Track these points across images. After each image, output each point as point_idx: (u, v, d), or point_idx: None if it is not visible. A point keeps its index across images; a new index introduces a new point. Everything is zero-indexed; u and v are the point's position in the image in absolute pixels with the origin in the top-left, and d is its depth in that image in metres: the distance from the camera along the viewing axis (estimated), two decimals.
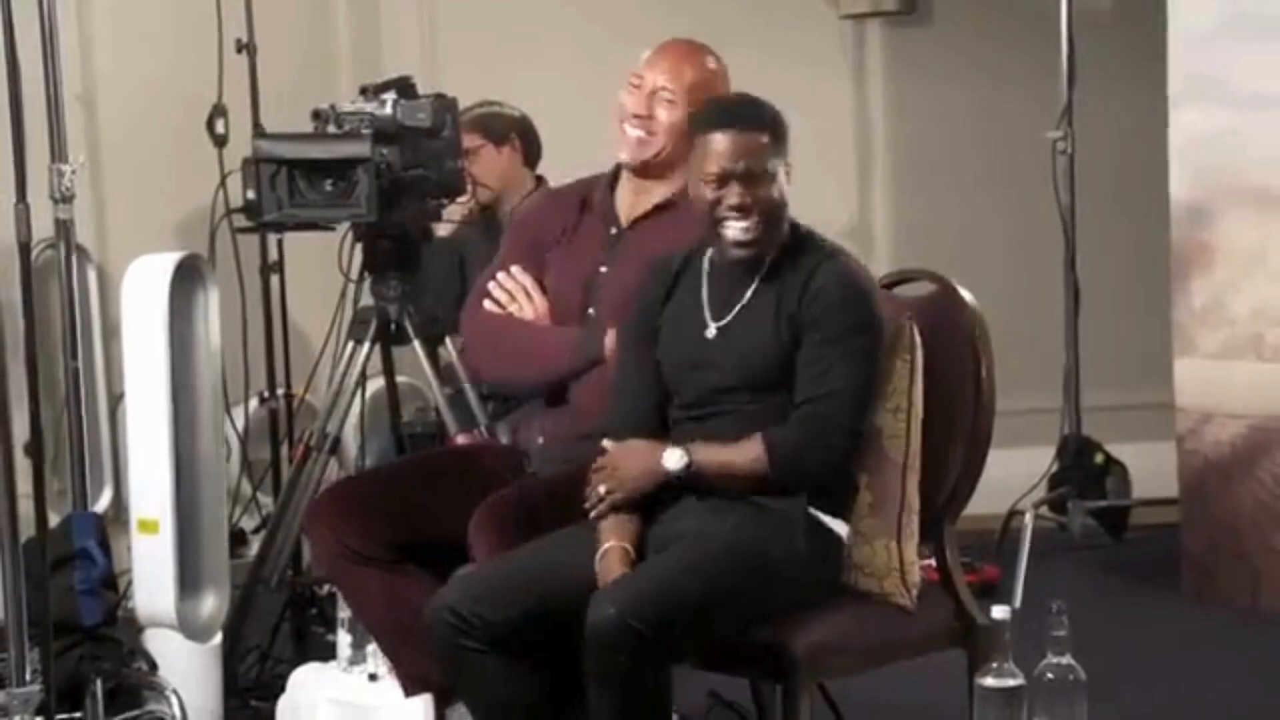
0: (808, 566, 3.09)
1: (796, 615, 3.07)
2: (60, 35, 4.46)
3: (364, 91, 4.03)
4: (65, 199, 4.28)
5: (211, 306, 4.05)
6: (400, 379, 4.35)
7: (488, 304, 3.67)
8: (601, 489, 3.15)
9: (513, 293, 3.66)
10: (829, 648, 3.10)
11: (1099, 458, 5.44)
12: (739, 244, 3.16)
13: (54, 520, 4.01)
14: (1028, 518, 5.14)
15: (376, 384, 4.31)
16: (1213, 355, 4.86)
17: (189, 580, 3.97)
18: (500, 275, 3.68)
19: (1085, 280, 5.35)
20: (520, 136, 4.80)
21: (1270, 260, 4.76)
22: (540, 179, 4.80)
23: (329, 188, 3.90)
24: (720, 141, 3.14)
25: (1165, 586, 4.98)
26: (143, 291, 3.95)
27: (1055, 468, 5.46)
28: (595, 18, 5.72)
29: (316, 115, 4.01)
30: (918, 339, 3.21)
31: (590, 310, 3.59)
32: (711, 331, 3.20)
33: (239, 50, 4.82)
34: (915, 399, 3.21)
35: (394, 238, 4.06)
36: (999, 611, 2.85)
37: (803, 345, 3.11)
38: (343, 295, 4.16)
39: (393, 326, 4.09)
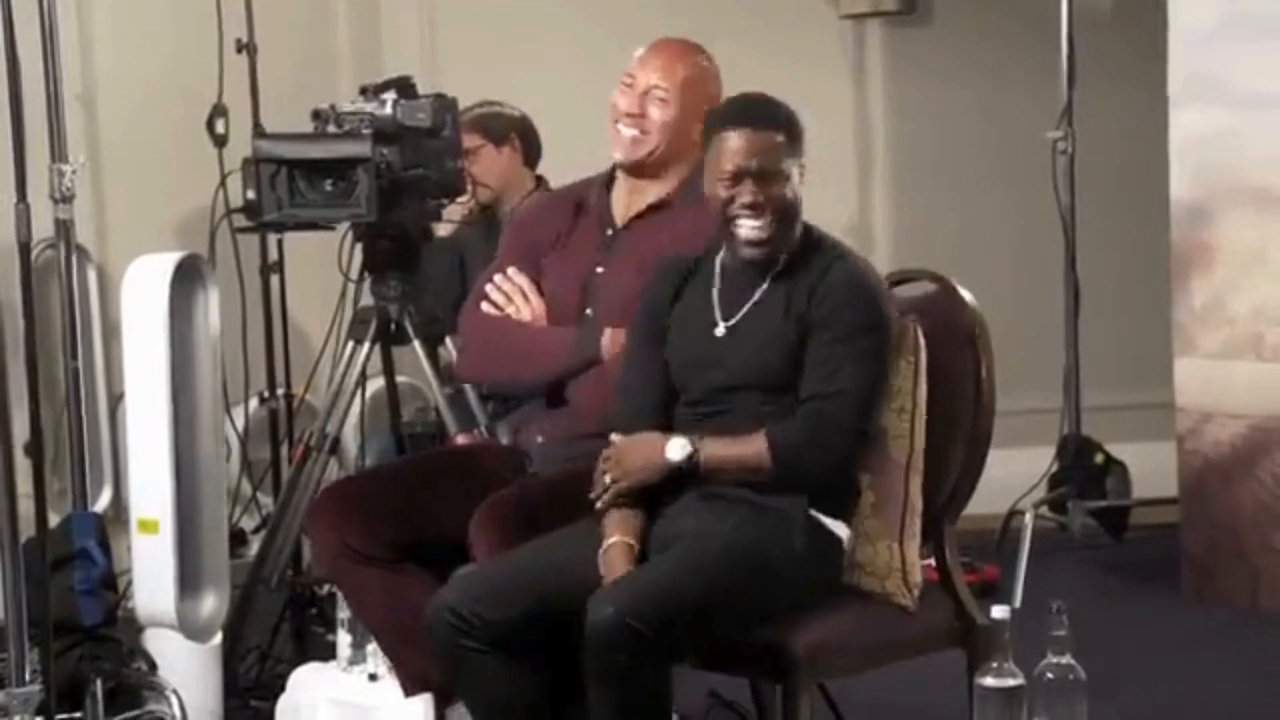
0: (807, 567, 3.10)
1: (796, 615, 3.07)
2: (60, 35, 4.46)
3: (364, 91, 4.04)
4: (65, 199, 4.28)
5: (211, 306, 4.05)
6: (400, 379, 4.36)
7: (485, 306, 3.68)
8: (607, 479, 3.15)
9: (510, 294, 3.66)
10: (829, 647, 3.10)
11: (1099, 458, 5.44)
12: (751, 243, 3.16)
13: (54, 520, 4.01)
14: (1028, 517, 5.14)
15: (376, 384, 4.31)
16: (1213, 355, 4.86)
17: (189, 580, 3.97)
18: (497, 277, 3.68)
19: (1085, 280, 5.35)
20: (520, 136, 4.80)
21: (1270, 260, 4.76)
22: (540, 179, 4.80)
23: (329, 188, 3.91)
24: (735, 140, 3.14)
25: (1165, 586, 4.98)
26: (143, 291, 3.95)
27: (1055, 468, 5.47)
28: (595, 18, 5.72)
29: (316, 115, 4.01)
30: (921, 340, 3.22)
31: (588, 311, 3.59)
32: (720, 330, 3.20)
33: (239, 50, 4.82)
34: (919, 400, 3.21)
35: (394, 238, 4.06)
36: (999, 611, 2.84)
37: (811, 343, 3.11)
38: (343, 295, 4.17)
39: (393, 326, 4.10)
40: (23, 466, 3.43)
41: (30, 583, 3.39)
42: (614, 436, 3.22)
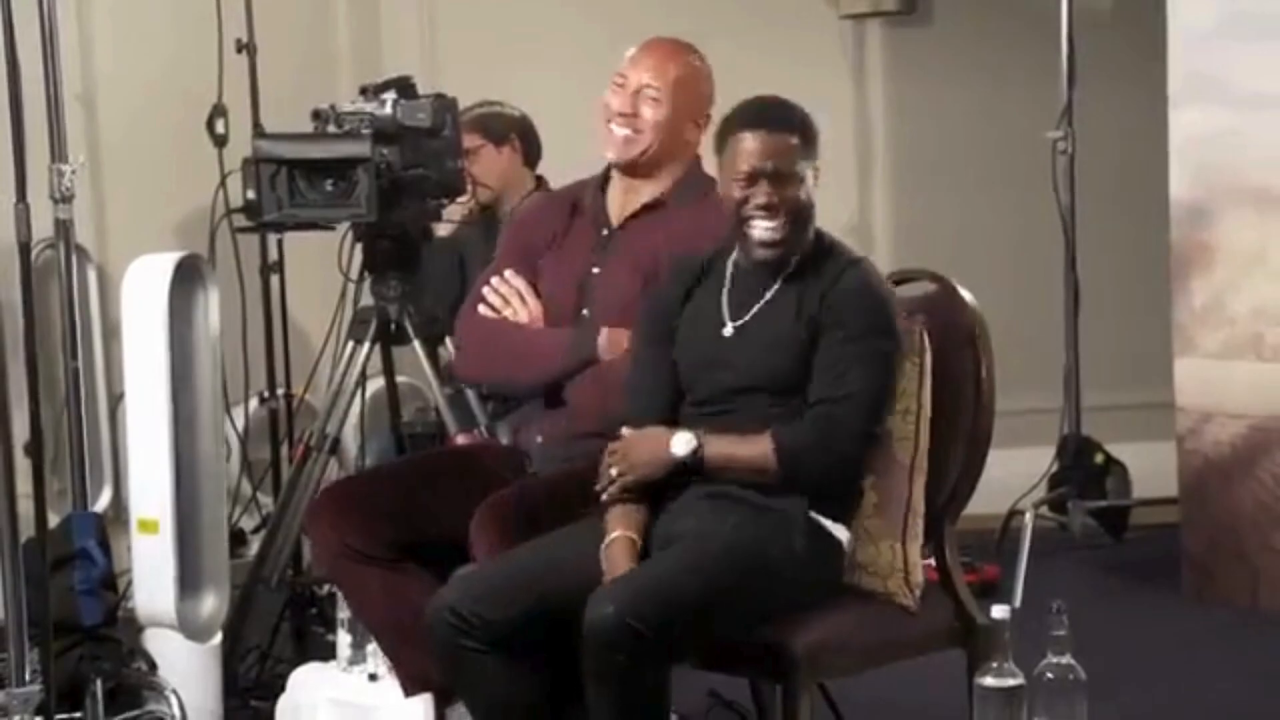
0: (807, 568, 3.09)
1: (796, 615, 3.07)
2: (60, 35, 4.45)
3: (364, 91, 4.04)
4: (65, 199, 4.28)
5: (211, 306, 4.05)
6: (400, 379, 4.36)
7: (482, 308, 3.68)
8: (613, 471, 3.15)
9: (507, 296, 3.67)
10: (829, 647, 3.10)
11: (1099, 457, 5.44)
12: (765, 244, 3.17)
13: (54, 520, 4.01)
14: (1028, 517, 5.14)
15: (376, 384, 4.31)
16: (1213, 355, 4.86)
17: (189, 580, 3.98)
18: (494, 280, 3.69)
19: (1085, 280, 5.35)
20: (520, 136, 4.81)
21: (1270, 260, 4.76)
22: (540, 179, 4.80)
23: (329, 188, 3.91)
24: (750, 141, 3.15)
25: (1165, 586, 4.98)
26: (143, 291, 3.95)
27: (1055, 467, 5.46)
28: (595, 18, 5.72)
29: (316, 115, 4.02)
30: (926, 341, 3.22)
31: (584, 312, 3.59)
32: (729, 330, 3.21)
33: (239, 50, 4.82)
34: (924, 401, 3.21)
35: (394, 238, 4.06)
36: (999, 611, 2.84)
37: (821, 345, 3.11)
38: (343, 295, 4.17)
39: (393, 326, 4.10)
40: (23, 466, 3.43)
41: (30, 583, 3.39)
42: (625, 430, 3.22)
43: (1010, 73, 5.89)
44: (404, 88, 4.03)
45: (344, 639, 3.70)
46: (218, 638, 4.03)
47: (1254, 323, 4.80)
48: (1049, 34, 5.31)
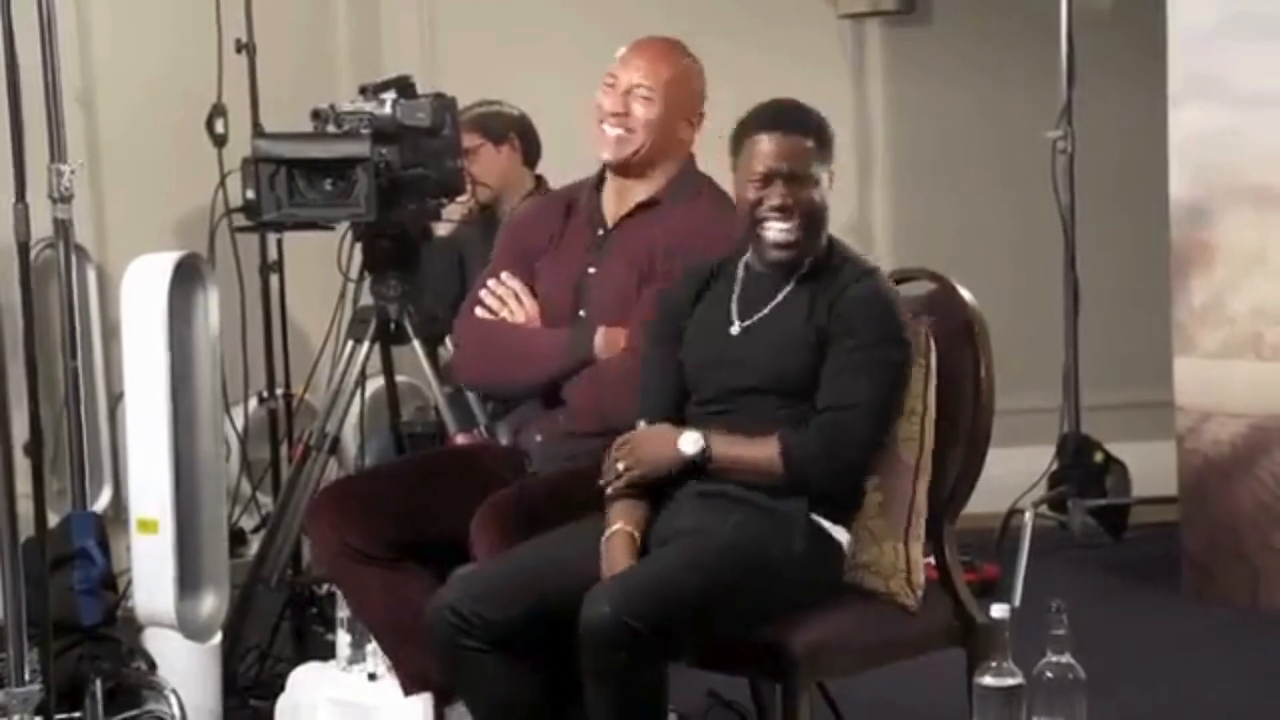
0: (807, 568, 3.10)
1: (796, 615, 3.07)
2: (59, 34, 4.45)
3: (363, 91, 4.04)
4: (64, 199, 4.27)
5: (211, 306, 4.05)
6: (400, 378, 4.36)
7: (479, 311, 3.68)
8: (620, 466, 3.16)
9: (503, 298, 3.67)
10: (828, 647, 3.10)
11: (1099, 456, 5.44)
12: (779, 245, 3.17)
13: (53, 520, 4.01)
14: (1027, 516, 5.14)
15: (376, 383, 4.31)
16: (1212, 354, 4.86)
17: (188, 580, 3.98)
18: (491, 282, 3.69)
19: (1085, 279, 5.35)
20: (520, 136, 4.81)
21: (1270, 259, 4.76)
22: (540, 179, 4.80)
23: (328, 187, 3.91)
24: (766, 143, 3.16)
25: (1165, 585, 4.98)
26: (142, 291, 3.95)
27: (1055, 466, 5.46)
28: (595, 18, 5.71)
29: (316, 115, 4.01)
30: (932, 342, 3.23)
31: (581, 312, 3.60)
32: (736, 329, 3.22)
33: (238, 50, 4.82)
34: (929, 402, 3.22)
35: (393, 237, 4.06)
36: (998, 610, 2.84)
37: (830, 352, 3.12)
38: (342, 295, 4.17)
39: (392, 326, 4.10)
40: (22, 466, 3.43)
41: (30, 582, 3.39)
42: (641, 424, 3.23)
43: (1010, 72, 5.89)
44: (403, 87, 4.03)
45: (343, 638, 3.70)
46: (217, 637, 4.03)
47: (1254, 322, 4.80)
48: (1048, 33, 5.31)
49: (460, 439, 3.93)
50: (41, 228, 4.05)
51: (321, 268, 4.20)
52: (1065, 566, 5.24)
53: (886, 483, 3.19)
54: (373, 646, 3.61)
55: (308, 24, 5.77)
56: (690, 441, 3.13)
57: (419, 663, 3.45)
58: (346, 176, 3.88)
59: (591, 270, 3.61)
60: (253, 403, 5.01)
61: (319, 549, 3.67)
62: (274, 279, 4.86)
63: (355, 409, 4.36)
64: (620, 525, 3.13)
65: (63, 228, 4.33)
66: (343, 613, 3.68)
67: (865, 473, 3.15)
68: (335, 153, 3.91)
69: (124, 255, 4.21)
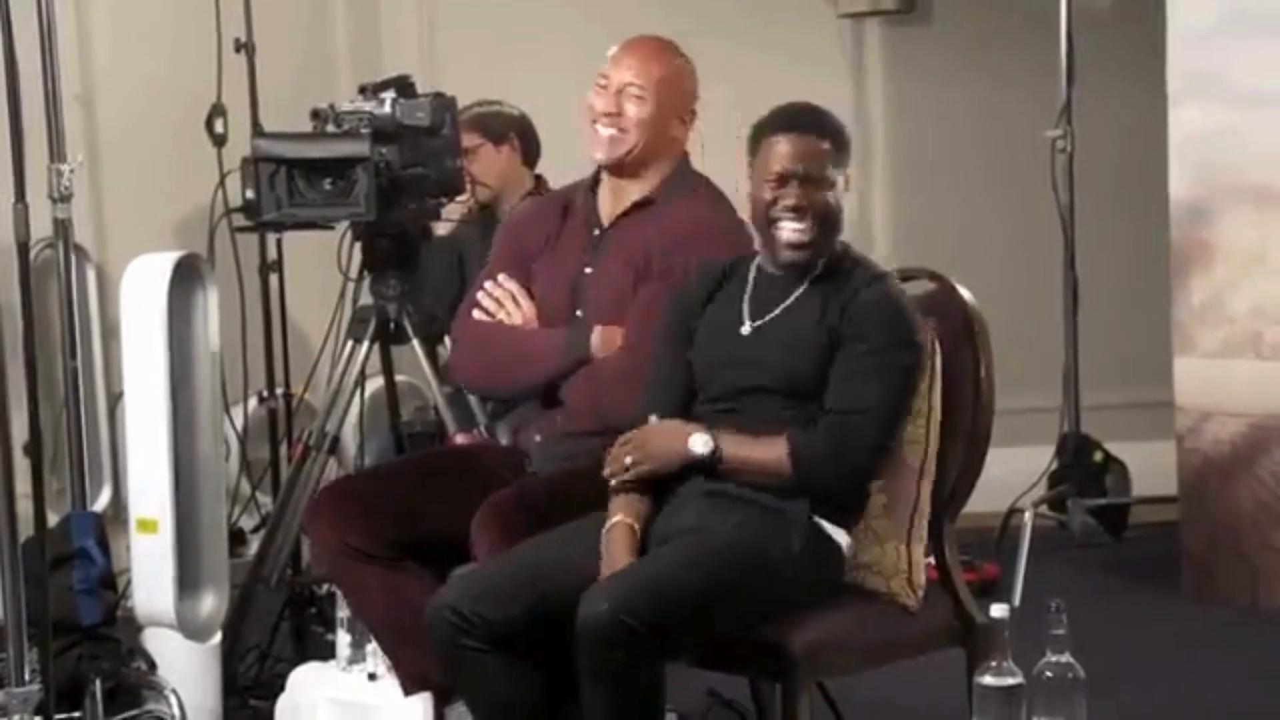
0: (806, 568, 3.09)
1: (795, 614, 3.07)
2: (59, 34, 4.45)
3: (363, 90, 4.04)
4: (64, 198, 4.27)
5: (210, 306, 4.05)
6: (399, 378, 4.36)
7: (476, 313, 3.69)
8: (628, 460, 3.16)
9: (500, 300, 3.67)
10: (828, 646, 3.09)
11: (1098, 456, 5.44)
12: (792, 245, 3.18)
13: (53, 520, 4.01)
14: (1027, 516, 5.14)
15: (376, 383, 4.31)
16: (1212, 354, 4.86)
17: (188, 580, 3.98)
18: (488, 284, 3.70)
19: (1085, 279, 5.35)
20: (519, 135, 4.81)
21: (1270, 258, 4.76)
22: (539, 178, 4.80)
23: (328, 187, 3.91)
24: (783, 144, 3.18)
25: (1165, 585, 4.98)
26: (142, 291, 3.95)
27: (1055, 466, 5.46)
28: (595, 18, 5.71)
29: (315, 114, 4.01)
30: (937, 344, 3.23)
31: (578, 312, 3.60)
32: (746, 329, 3.22)
33: (238, 50, 4.81)
34: (934, 405, 3.22)
35: (393, 237, 4.06)
36: (998, 610, 2.84)
37: (840, 355, 3.12)
38: (342, 294, 4.17)
39: (392, 325, 4.10)
40: (22, 466, 3.43)
41: (29, 582, 3.39)
42: (653, 419, 3.23)
43: (1009, 71, 5.89)
44: (403, 87, 4.03)
45: (343, 638, 3.70)
46: (217, 637, 4.03)
47: (1253, 321, 4.80)
48: (1048, 33, 5.31)
49: (460, 439, 3.93)
50: (41, 228, 4.06)
51: (321, 267, 4.20)
52: (1065, 566, 5.24)
53: (891, 484, 3.19)
54: (373, 646, 3.61)
55: (307, 24, 5.76)
56: (701, 442, 3.13)
57: (419, 663, 3.45)
58: (346, 176, 3.88)
59: (588, 270, 3.61)
60: (252, 402, 5.01)
61: (319, 549, 3.67)
62: (274, 279, 4.85)
63: (355, 409, 4.36)
64: (620, 517, 3.14)
65: (62, 228, 4.33)
66: (343, 613, 3.68)
67: (872, 476, 3.15)
68: (335, 152, 3.90)
69: (124, 255, 4.21)
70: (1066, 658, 2.81)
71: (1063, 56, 5.28)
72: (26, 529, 3.46)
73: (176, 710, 3.86)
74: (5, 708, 3.35)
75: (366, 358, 4.12)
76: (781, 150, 3.17)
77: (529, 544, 3.19)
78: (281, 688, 3.82)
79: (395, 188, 3.93)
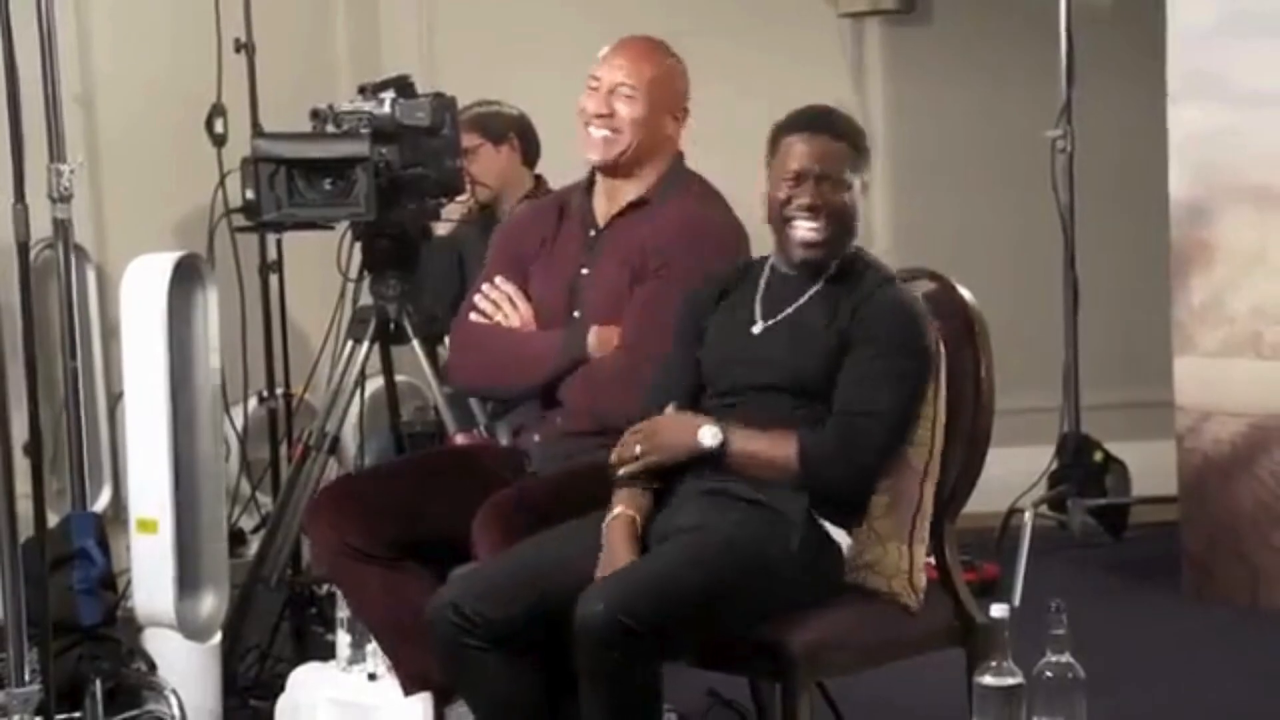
0: (806, 568, 3.09)
1: (795, 614, 3.07)
2: (59, 35, 4.44)
3: (362, 90, 4.04)
4: (63, 199, 4.27)
5: (210, 306, 4.05)
6: (399, 378, 4.36)
7: (473, 316, 3.69)
8: (637, 449, 3.16)
9: (497, 302, 3.67)
10: (827, 646, 3.09)
11: (1098, 456, 5.43)
12: (806, 244, 3.19)
13: (53, 520, 4.01)
14: (1027, 516, 5.14)
15: (376, 383, 4.31)
16: (1212, 353, 4.85)
17: (188, 580, 3.98)
18: (485, 287, 3.70)
19: (1085, 279, 5.35)
20: (519, 136, 4.81)
21: (1270, 258, 4.76)
22: (539, 178, 4.80)
23: (328, 187, 3.90)
24: (801, 144, 3.19)
25: (1165, 585, 4.97)
26: (141, 291, 3.95)
27: (1055, 466, 5.46)
28: (595, 18, 5.70)
29: (315, 114, 4.01)
30: (941, 348, 3.23)
31: (575, 313, 3.60)
32: (758, 328, 3.22)
33: (238, 50, 4.81)
34: (939, 408, 3.22)
35: (393, 237, 4.06)
36: (998, 610, 2.84)
37: (850, 358, 3.13)
38: (342, 294, 4.17)
39: (392, 326, 4.10)
40: (22, 466, 3.43)
41: (29, 582, 3.39)
42: (670, 409, 3.23)
43: (1009, 71, 5.89)
44: (403, 87, 4.03)
45: (343, 638, 3.70)
46: (217, 637, 4.03)
47: (1253, 321, 4.79)
48: (1048, 32, 5.31)
49: (460, 439, 3.93)
50: (41, 228, 4.05)
51: (321, 268, 4.20)
52: (1065, 566, 5.24)
53: (894, 485, 3.19)
54: (373, 646, 3.61)
55: (307, 24, 5.76)
56: (710, 434, 3.13)
57: (419, 662, 3.45)
58: (346, 176, 3.88)
59: (584, 271, 3.62)
60: (252, 403, 5.01)
61: (319, 548, 3.67)
62: (274, 279, 4.85)
63: (355, 409, 4.36)
64: (622, 509, 3.14)
65: (62, 228, 4.33)
66: (343, 613, 3.68)
67: (879, 478, 3.15)
68: (335, 152, 3.90)
69: (123, 255, 4.21)
70: (1066, 658, 2.81)
71: (1062, 56, 5.28)
72: (26, 529, 3.46)
73: (176, 710, 3.86)
74: (5, 708, 3.35)
75: (366, 358, 4.12)
76: (799, 150, 3.19)
77: (529, 543, 3.20)
78: (281, 688, 3.82)
79: (395, 188, 3.93)
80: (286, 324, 4.87)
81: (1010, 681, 2.79)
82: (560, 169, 4.37)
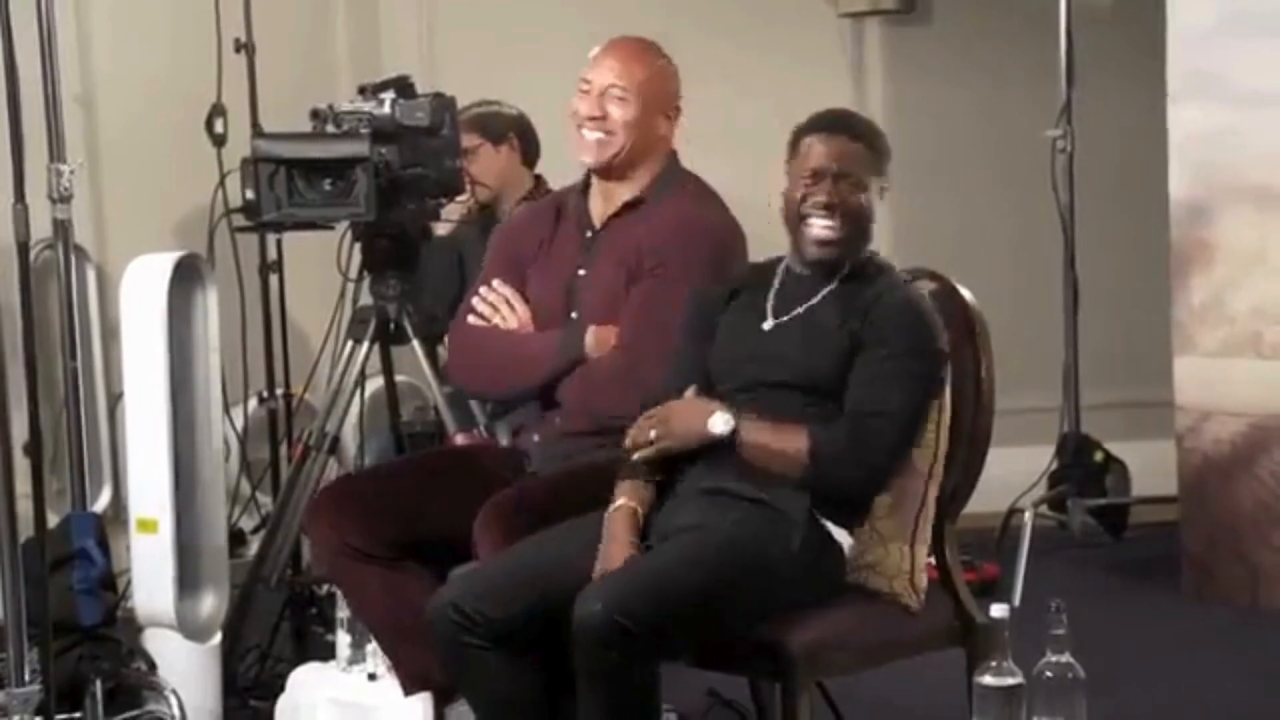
0: (806, 568, 3.09)
1: (795, 613, 3.07)
2: (59, 35, 4.45)
3: (362, 91, 4.04)
4: (64, 199, 4.27)
5: (210, 306, 4.05)
6: (399, 378, 4.36)
7: (471, 318, 3.69)
8: (651, 434, 3.16)
9: (495, 305, 3.68)
10: (827, 646, 3.09)
11: (1098, 456, 5.43)
12: (821, 242, 3.20)
13: (53, 520, 4.01)
14: (1027, 516, 5.14)
15: (375, 383, 4.31)
16: (1212, 353, 4.85)
17: (188, 580, 3.98)
18: (482, 289, 3.70)
19: (1085, 279, 5.35)
20: (519, 136, 4.81)
21: (1270, 258, 4.76)
22: (539, 178, 4.80)
23: (328, 187, 3.90)
24: (819, 144, 3.21)
25: (1165, 585, 4.98)
26: (141, 291, 3.95)
27: (1055, 466, 5.46)
28: (595, 18, 5.68)
29: (315, 115, 4.01)
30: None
31: (573, 314, 3.61)
32: (769, 324, 3.23)
33: (238, 50, 4.81)
34: (944, 409, 3.22)
35: (393, 237, 4.06)
36: (998, 610, 2.84)
37: (861, 359, 3.13)
38: (342, 295, 4.17)
39: (392, 326, 4.10)
40: (22, 466, 3.43)
41: (29, 583, 3.39)
42: (689, 392, 3.23)
43: (1009, 71, 5.89)
44: (402, 87, 4.03)
45: (343, 639, 3.70)
46: (217, 637, 4.03)
47: (1253, 321, 4.80)
48: (1048, 32, 5.31)
49: (460, 439, 3.93)
50: (41, 228, 4.05)
51: (321, 268, 4.20)
52: (1065, 566, 5.24)
53: (899, 485, 3.19)
54: (373, 646, 3.61)
55: (307, 24, 5.76)
56: (721, 421, 3.13)
57: (419, 662, 3.45)
58: (346, 176, 3.88)
59: (581, 272, 3.62)
60: (252, 403, 5.01)
61: (319, 548, 3.67)
62: (274, 279, 4.85)
63: (355, 409, 4.36)
64: (625, 501, 3.15)
65: (62, 228, 4.33)
66: (343, 613, 3.68)
67: (888, 478, 3.15)
68: (334, 153, 3.90)
69: (123, 255, 4.21)
70: (1066, 658, 2.81)
71: (1062, 56, 5.28)
72: (26, 529, 3.46)
73: (176, 711, 3.86)
74: (5, 708, 3.35)
75: (366, 358, 4.12)
76: (817, 149, 3.20)
77: (530, 542, 3.20)
78: (281, 688, 3.82)
79: (395, 188, 3.93)
80: (286, 324, 4.87)
81: (1010, 681, 2.79)
82: (560, 169, 4.36)
